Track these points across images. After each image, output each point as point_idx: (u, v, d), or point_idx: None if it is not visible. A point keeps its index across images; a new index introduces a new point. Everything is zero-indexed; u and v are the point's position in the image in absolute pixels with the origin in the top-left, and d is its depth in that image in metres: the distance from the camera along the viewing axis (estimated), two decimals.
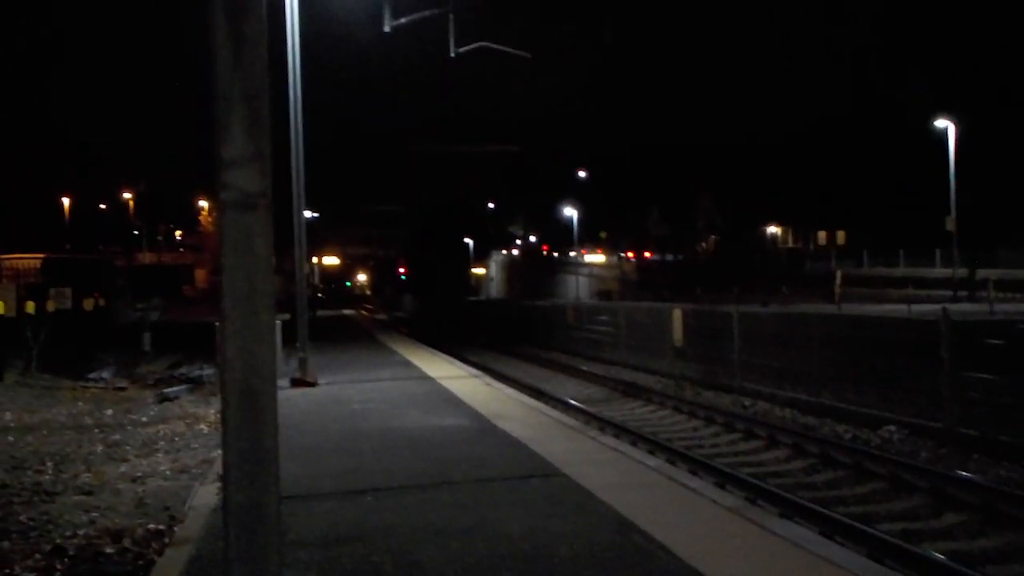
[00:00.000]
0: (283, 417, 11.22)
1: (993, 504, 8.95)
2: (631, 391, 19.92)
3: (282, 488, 7.27)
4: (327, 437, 10.25)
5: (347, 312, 77.17)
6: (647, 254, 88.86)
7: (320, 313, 64.82)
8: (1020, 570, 7.57)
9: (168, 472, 10.17)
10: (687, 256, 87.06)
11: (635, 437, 13.73)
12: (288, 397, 14.17)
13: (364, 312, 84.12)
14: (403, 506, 6.84)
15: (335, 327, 43.14)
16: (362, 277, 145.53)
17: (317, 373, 16.27)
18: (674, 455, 12.18)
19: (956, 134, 42.57)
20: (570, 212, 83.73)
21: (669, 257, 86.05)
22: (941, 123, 43.38)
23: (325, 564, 5.48)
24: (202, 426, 13.53)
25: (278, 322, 18.72)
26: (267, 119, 2.81)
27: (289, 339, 16.57)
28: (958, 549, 8.00)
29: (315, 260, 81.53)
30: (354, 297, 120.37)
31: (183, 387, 18.92)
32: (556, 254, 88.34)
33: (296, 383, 15.48)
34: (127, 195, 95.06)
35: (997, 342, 16.80)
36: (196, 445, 11.85)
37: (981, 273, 44.05)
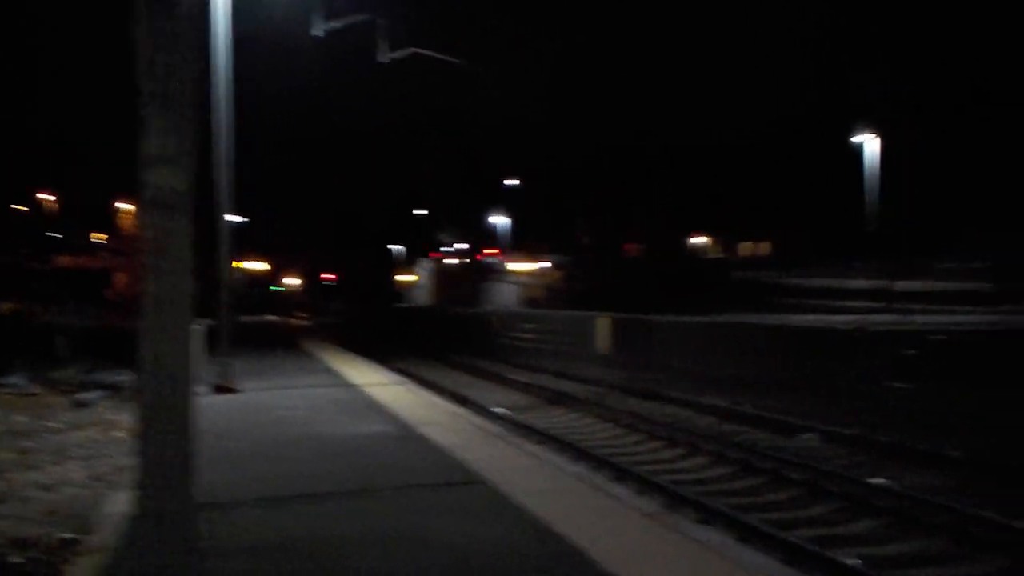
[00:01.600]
0: (205, 424, 11.02)
1: (905, 509, 9.21)
2: (556, 398, 20.02)
3: (203, 495, 7.17)
4: (249, 444, 10.12)
5: (274, 318, 76.22)
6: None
7: (246, 319, 64.01)
8: (930, 574, 7.79)
9: (82, 480, 9.92)
10: (616, 264, 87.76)
11: (558, 444, 13.81)
12: (210, 404, 13.94)
13: (292, 319, 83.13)
14: (326, 513, 6.79)
15: (261, 333, 42.56)
16: (294, 281, 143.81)
17: (241, 379, 16.04)
18: (597, 462, 12.28)
19: (875, 148, 43.69)
20: (500, 220, 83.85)
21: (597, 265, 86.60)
22: (860, 137, 44.49)
23: (247, 572, 5.41)
24: (118, 432, 13.22)
25: (200, 327, 18.43)
26: (191, 118, 2.78)
27: (212, 345, 16.31)
28: (870, 554, 8.21)
29: (241, 265, 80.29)
30: (284, 303, 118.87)
31: (99, 393, 18.44)
32: (485, 258, 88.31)
33: (219, 389, 15.25)
34: (44, 197, 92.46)
35: (911, 352, 17.33)
36: (111, 452, 11.57)
37: (898, 285, 45.26)
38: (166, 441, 2.84)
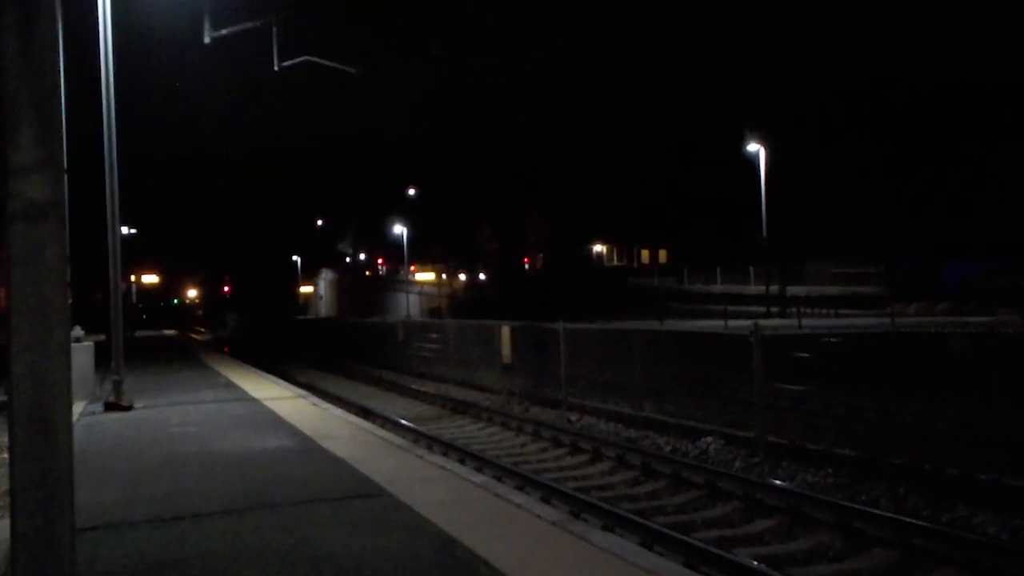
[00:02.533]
0: (95, 443, 10.64)
1: (800, 508, 9.43)
2: (460, 408, 19.96)
3: (91, 517, 6.90)
4: (142, 462, 9.80)
5: (171, 332, 74.32)
6: (481, 273, 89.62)
7: (142, 333, 62.24)
8: (824, 570, 7.98)
9: None
10: (517, 273, 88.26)
11: (462, 454, 13.76)
12: (101, 422, 13.49)
13: (192, 332, 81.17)
14: (222, 531, 6.60)
15: (157, 348, 41.46)
16: (193, 293, 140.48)
17: (134, 396, 15.56)
18: (501, 471, 12.26)
19: (766, 157, 44.92)
20: (400, 229, 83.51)
21: (499, 275, 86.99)
22: (753, 147, 45.69)
23: None
24: (4, 454, 12.68)
25: (89, 343, 17.80)
26: (61, 124, 2.64)
27: (104, 360, 15.78)
28: (768, 553, 8.38)
29: (133, 278, 78.04)
30: (182, 316, 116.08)
31: None
32: (384, 268, 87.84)
33: (110, 407, 14.75)
34: None
35: (804, 355, 17.78)
36: None
37: (791, 290, 46.55)
38: (43, 462, 2.69)
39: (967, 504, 9.43)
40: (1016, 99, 53.51)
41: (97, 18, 14.85)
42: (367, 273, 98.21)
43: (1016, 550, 7.64)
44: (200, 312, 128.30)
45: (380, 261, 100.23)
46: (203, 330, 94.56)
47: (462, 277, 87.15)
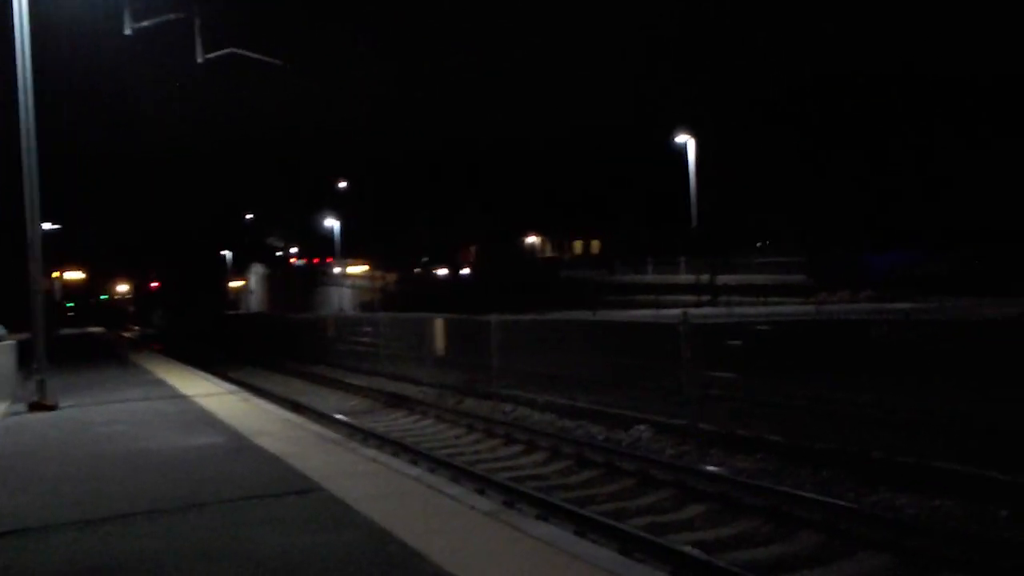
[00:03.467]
0: (18, 444, 10.40)
1: (730, 493, 9.60)
2: (393, 401, 19.90)
3: (14, 521, 6.75)
4: (66, 463, 9.58)
5: (98, 330, 72.76)
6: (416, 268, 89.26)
7: (67, 331, 60.83)
8: (754, 554, 8.13)
9: None
10: (450, 266, 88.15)
11: (396, 448, 13.72)
12: (24, 422, 13.17)
13: (119, 330, 79.46)
14: (150, 532, 6.49)
15: (83, 346, 40.56)
16: (121, 290, 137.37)
17: (59, 395, 15.19)
18: (435, 463, 12.26)
19: (696, 148, 45.51)
20: (331, 223, 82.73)
21: (432, 267, 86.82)
22: (682, 138, 46.24)
23: None
24: None
25: (11, 341, 17.36)
26: None
27: (28, 360, 15.39)
28: (700, 538, 8.51)
29: (57, 275, 76.20)
30: (109, 313, 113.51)
31: None
32: (317, 263, 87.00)
33: (34, 407, 14.38)
34: None
35: (735, 342, 18.10)
36: None
37: (721, 279, 47.28)
38: None
39: (889, 486, 9.68)
40: (948, 88, 54.93)
41: (11, 10, 14.44)
42: (299, 266, 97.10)
43: (934, 530, 7.89)
44: (131, 308, 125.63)
45: (307, 259, 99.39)
46: (134, 327, 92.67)
47: (394, 271, 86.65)
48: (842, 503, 8.84)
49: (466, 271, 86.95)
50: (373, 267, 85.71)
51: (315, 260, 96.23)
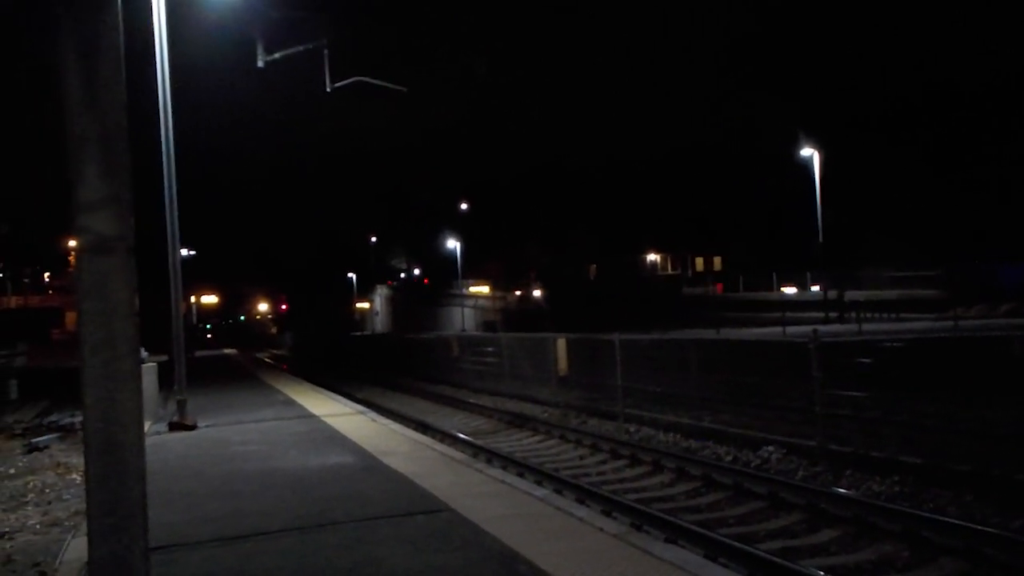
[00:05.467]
0: (159, 462, 10.83)
1: (865, 517, 9.28)
2: (517, 421, 19.97)
3: (157, 537, 7.01)
4: (205, 481, 9.95)
5: (230, 351, 75.43)
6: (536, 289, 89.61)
7: (202, 353, 63.24)
8: None
9: (38, 526, 9.69)
10: (568, 285, 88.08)
11: (521, 468, 13.75)
12: (165, 442, 13.73)
13: (253, 351, 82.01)
14: (284, 549, 6.68)
15: (218, 367, 42.08)
16: (259, 311, 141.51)
17: (197, 415, 15.81)
18: (561, 484, 12.24)
19: (820, 161, 44.41)
20: (453, 244, 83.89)
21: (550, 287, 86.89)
22: (807, 151, 45.19)
23: None
24: (74, 476, 12.94)
25: (153, 364, 18.14)
26: (127, 161, 2.72)
27: (167, 381, 16.06)
28: (834, 564, 8.25)
29: (193, 298, 79.36)
30: (249, 334, 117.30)
31: (53, 435, 18.08)
32: (425, 282, 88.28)
33: (174, 427, 15.01)
34: None
35: (865, 360, 17.52)
36: (68, 496, 11.33)
37: (849, 295, 45.88)
38: (117, 486, 2.76)
39: None
40: None
41: (154, 47, 15.18)
42: (421, 286, 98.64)
43: None
44: (266, 331, 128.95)
45: (423, 279, 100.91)
46: (269, 348, 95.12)
47: (517, 293, 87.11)
48: (987, 528, 8.45)
49: (584, 290, 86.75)
50: (494, 287, 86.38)
51: (425, 280, 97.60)
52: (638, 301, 56.46)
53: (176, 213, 15.62)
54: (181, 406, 15.40)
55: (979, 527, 8.48)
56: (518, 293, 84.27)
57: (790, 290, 56.55)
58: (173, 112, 15.58)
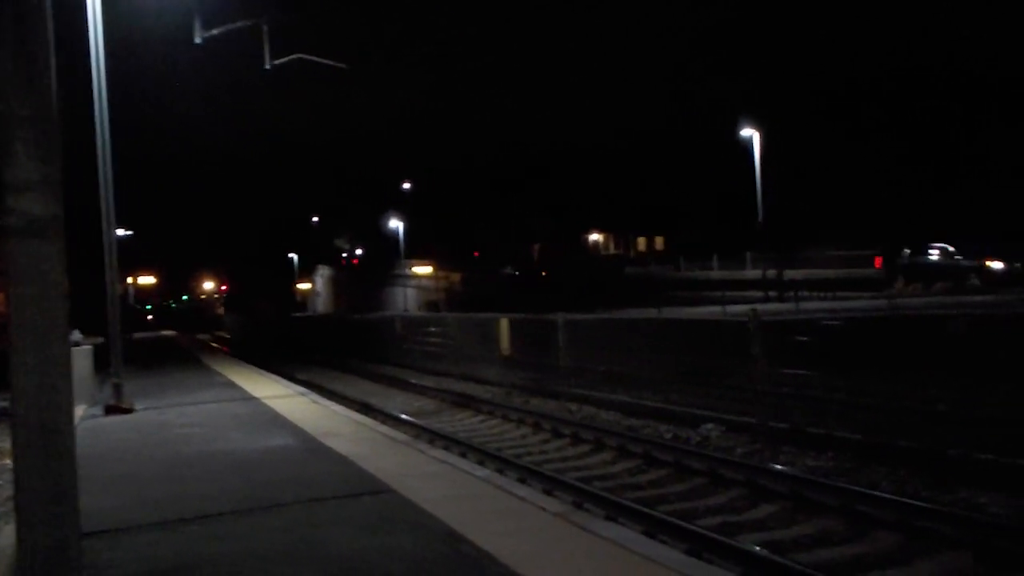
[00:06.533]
0: (97, 446, 10.66)
1: (802, 492, 9.47)
2: (461, 401, 19.99)
3: (97, 522, 6.92)
4: (145, 465, 9.82)
5: (170, 333, 74.34)
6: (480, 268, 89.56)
7: (139, 335, 62.21)
8: (828, 555, 8.01)
9: None
10: (514, 265, 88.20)
11: (464, 448, 13.79)
12: (102, 425, 13.51)
13: (193, 333, 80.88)
14: (228, 533, 6.62)
15: (156, 350, 41.48)
16: (199, 291, 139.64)
17: (135, 398, 15.58)
18: (503, 464, 12.29)
19: (760, 142, 44.88)
20: (396, 225, 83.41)
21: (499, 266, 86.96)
22: (747, 132, 45.63)
23: None
24: (7, 460, 12.69)
25: (88, 346, 17.80)
26: (58, 142, 2.64)
27: (103, 363, 15.79)
28: (772, 539, 8.40)
29: (130, 280, 78.00)
30: (190, 316, 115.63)
31: None
32: (383, 263, 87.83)
33: (111, 410, 14.77)
34: None
35: (803, 339, 17.81)
36: (1, 482, 11.12)
37: (788, 274, 46.53)
38: (47, 472, 2.71)
39: (968, 486, 9.47)
40: (1010, 85, 53.62)
41: (87, 23, 14.83)
42: (364, 267, 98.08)
43: (1019, 528, 7.68)
44: (206, 312, 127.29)
45: (363, 260, 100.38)
46: (208, 330, 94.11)
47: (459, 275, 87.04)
48: (920, 503, 8.66)
49: (529, 270, 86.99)
50: (437, 267, 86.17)
51: (355, 261, 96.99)
52: (582, 280, 56.67)
53: (111, 193, 15.31)
54: (118, 389, 15.14)
55: (911, 501, 8.70)
56: (461, 275, 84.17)
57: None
58: (109, 89, 15.25)
